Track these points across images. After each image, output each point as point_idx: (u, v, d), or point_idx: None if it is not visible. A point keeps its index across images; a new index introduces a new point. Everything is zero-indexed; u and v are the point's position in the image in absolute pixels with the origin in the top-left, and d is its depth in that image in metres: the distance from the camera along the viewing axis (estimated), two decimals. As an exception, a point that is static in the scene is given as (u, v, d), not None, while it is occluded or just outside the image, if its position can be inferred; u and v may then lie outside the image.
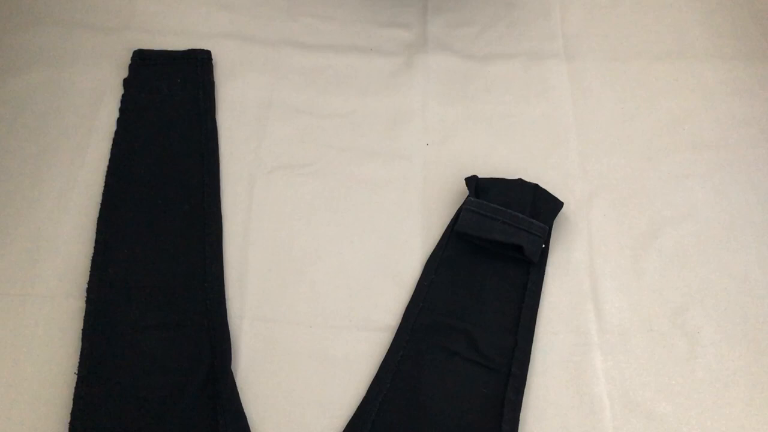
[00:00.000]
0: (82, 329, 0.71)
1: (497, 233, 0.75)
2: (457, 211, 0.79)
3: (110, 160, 0.82)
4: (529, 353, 0.72)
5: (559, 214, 0.80)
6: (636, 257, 0.78)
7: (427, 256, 0.78)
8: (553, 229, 0.79)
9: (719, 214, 0.81)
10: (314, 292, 0.76)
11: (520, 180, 0.80)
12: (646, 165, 0.85)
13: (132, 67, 0.89)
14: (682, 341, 0.73)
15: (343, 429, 0.68)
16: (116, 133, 0.84)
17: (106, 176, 0.81)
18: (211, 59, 0.91)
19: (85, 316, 0.72)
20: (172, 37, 0.93)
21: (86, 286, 0.74)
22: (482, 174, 0.81)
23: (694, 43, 0.95)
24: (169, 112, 0.87)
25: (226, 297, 0.74)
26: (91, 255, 0.75)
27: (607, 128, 0.88)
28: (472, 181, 0.79)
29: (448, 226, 0.79)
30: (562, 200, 0.79)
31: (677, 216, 0.81)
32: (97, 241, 0.76)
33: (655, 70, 0.93)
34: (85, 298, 0.73)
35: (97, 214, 0.78)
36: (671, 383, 0.71)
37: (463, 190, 0.81)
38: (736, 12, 0.98)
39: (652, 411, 0.70)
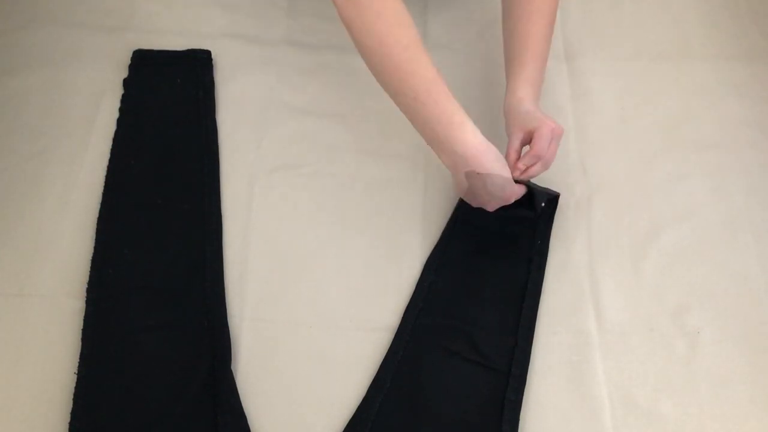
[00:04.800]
0: (82, 329, 0.71)
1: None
2: (457, 205, 0.79)
3: (110, 160, 0.82)
4: (529, 353, 0.72)
5: (559, 214, 0.80)
6: (636, 257, 0.78)
7: (427, 256, 0.78)
8: (553, 229, 0.79)
9: (719, 214, 0.81)
10: (314, 292, 0.76)
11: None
12: (646, 165, 0.85)
13: (132, 67, 0.89)
14: (682, 341, 0.73)
15: (343, 429, 0.68)
16: (116, 133, 0.84)
17: (106, 176, 0.81)
18: (211, 59, 0.90)
19: (84, 316, 0.72)
20: (172, 37, 0.93)
21: (86, 286, 0.74)
22: (482, 174, 0.81)
23: (694, 43, 0.95)
24: (169, 112, 0.87)
25: (226, 297, 0.74)
26: (91, 255, 0.75)
27: (607, 128, 0.88)
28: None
29: (448, 226, 0.79)
30: (562, 201, 0.79)
31: (677, 216, 0.81)
32: (97, 241, 0.76)
33: (655, 70, 0.93)
34: (85, 298, 0.73)
35: (97, 214, 0.78)
36: (671, 383, 0.71)
37: (463, 190, 0.81)
38: (736, 12, 0.98)
39: (652, 411, 0.70)
